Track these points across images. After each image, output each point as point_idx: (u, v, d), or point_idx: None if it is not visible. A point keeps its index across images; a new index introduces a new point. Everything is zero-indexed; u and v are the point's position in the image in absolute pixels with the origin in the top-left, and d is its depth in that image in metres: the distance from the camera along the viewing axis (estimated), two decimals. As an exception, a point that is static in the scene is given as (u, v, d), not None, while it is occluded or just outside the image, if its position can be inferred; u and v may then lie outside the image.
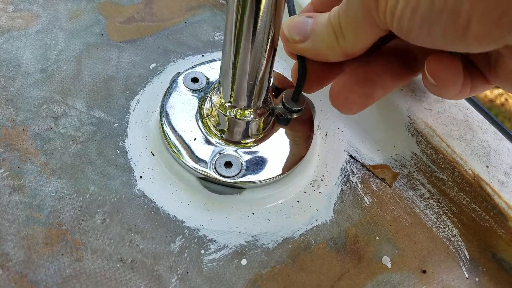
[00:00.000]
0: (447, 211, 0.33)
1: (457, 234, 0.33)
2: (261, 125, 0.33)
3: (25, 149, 0.31)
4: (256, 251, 0.30)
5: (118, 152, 0.33)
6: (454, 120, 0.33)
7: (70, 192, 0.30)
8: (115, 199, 0.30)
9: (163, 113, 0.33)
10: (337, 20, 0.24)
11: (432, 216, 0.33)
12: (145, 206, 0.30)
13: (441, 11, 0.19)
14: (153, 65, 0.38)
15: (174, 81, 0.35)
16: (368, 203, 0.33)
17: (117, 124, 0.34)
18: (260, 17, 0.25)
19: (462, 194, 0.32)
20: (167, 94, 0.34)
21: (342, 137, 0.36)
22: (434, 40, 0.21)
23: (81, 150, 0.32)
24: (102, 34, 0.40)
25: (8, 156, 0.31)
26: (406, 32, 0.21)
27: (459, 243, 0.32)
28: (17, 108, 0.33)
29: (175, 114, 0.33)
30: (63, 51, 0.38)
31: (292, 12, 0.31)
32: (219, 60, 0.37)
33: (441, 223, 0.33)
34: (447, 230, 0.33)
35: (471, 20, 0.18)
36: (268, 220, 0.31)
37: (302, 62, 0.32)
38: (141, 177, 0.32)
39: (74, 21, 0.40)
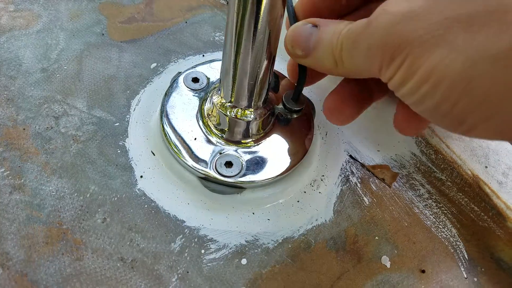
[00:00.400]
0: (446, 211, 0.33)
1: (456, 234, 0.33)
2: (262, 125, 0.33)
3: (26, 148, 0.31)
4: (256, 250, 0.30)
5: (119, 151, 0.33)
6: (453, 121, 0.33)
7: (70, 192, 0.30)
8: (116, 198, 0.30)
9: (164, 113, 0.33)
10: (339, 51, 0.23)
11: (431, 216, 0.33)
12: (146, 206, 0.31)
13: (445, 115, 0.19)
14: (154, 65, 0.38)
15: (174, 81, 0.36)
16: (367, 203, 0.33)
17: (117, 124, 0.34)
18: (260, 18, 0.25)
19: (461, 194, 0.32)
20: (167, 94, 0.35)
21: (342, 137, 0.36)
22: (432, 119, 0.21)
23: (81, 150, 0.32)
24: (103, 34, 0.40)
25: (8, 155, 0.31)
26: (399, 94, 0.21)
27: (458, 243, 0.32)
28: (17, 107, 0.33)
29: (176, 114, 0.33)
30: (64, 51, 0.38)
31: (290, 12, 0.31)
32: (220, 60, 0.37)
33: (440, 223, 0.33)
34: (446, 230, 0.33)
35: (475, 128, 0.19)
36: (268, 219, 0.31)
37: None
38: (141, 176, 0.32)
39: (75, 20, 0.40)
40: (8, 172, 0.30)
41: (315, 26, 0.25)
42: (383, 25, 0.20)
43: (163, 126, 0.33)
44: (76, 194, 0.30)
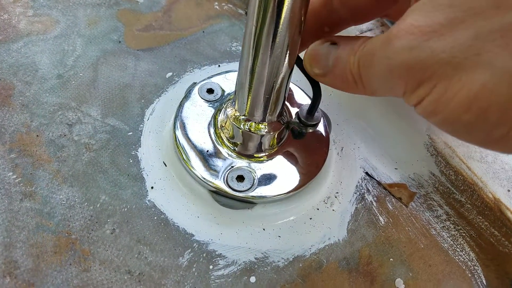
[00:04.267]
0: (464, 234, 0.32)
1: (474, 258, 0.31)
2: (275, 139, 0.32)
3: (38, 155, 0.31)
4: (265, 268, 0.29)
5: (131, 161, 0.32)
6: (474, 141, 0.32)
7: (81, 201, 0.30)
8: (126, 209, 0.30)
9: (177, 124, 0.33)
10: (356, 69, 0.22)
11: (448, 239, 0.32)
12: (155, 218, 0.30)
13: (498, 141, 0.18)
14: (169, 74, 0.38)
15: (189, 91, 0.35)
16: (383, 222, 0.32)
17: (131, 133, 0.34)
18: (279, 31, 0.25)
19: (481, 217, 0.31)
20: (182, 104, 0.34)
21: (358, 153, 0.35)
22: (480, 145, 0.19)
23: (93, 158, 0.32)
24: (119, 41, 0.40)
25: (21, 161, 0.31)
26: (431, 121, 0.20)
27: (476, 267, 0.31)
28: (32, 113, 0.33)
29: (189, 125, 0.33)
30: (80, 57, 0.38)
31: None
32: (235, 71, 0.36)
33: (458, 246, 0.32)
34: (464, 254, 0.32)
35: None
36: (279, 236, 0.31)
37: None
38: (152, 187, 0.31)
39: (93, 27, 0.40)
40: (20, 179, 0.30)
41: (335, 43, 0.24)
42: (404, 44, 0.18)
43: (176, 137, 0.32)
44: (86, 203, 0.30)
